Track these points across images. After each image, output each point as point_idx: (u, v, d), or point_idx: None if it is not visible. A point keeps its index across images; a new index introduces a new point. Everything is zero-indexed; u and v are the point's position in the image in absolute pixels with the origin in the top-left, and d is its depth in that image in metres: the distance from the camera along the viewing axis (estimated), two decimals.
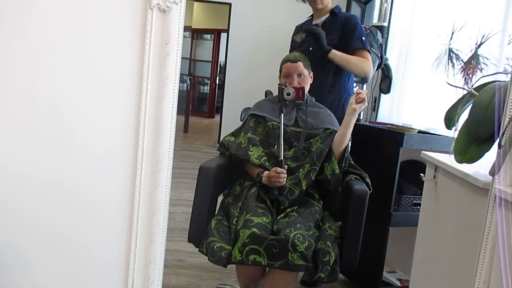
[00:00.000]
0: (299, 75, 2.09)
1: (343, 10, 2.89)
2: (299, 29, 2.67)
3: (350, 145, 2.15)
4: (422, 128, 2.54)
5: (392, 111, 3.48)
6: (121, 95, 1.29)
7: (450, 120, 1.43)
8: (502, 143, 1.05)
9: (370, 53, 2.44)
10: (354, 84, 3.28)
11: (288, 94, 1.97)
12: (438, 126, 2.52)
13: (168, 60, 1.20)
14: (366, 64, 2.39)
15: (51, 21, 1.29)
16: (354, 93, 1.97)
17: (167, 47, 1.20)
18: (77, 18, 1.29)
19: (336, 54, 2.34)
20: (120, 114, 1.30)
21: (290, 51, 2.67)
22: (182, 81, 8.29)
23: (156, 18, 1.20)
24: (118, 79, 1.29)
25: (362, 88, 3.42)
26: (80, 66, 1.30)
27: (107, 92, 1.31)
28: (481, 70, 1.45)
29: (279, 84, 2.01)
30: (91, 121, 1.32)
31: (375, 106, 3.79)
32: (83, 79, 1.31)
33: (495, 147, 1.12)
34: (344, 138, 1.98)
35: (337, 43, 2.41)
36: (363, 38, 2.43)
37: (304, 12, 2.70)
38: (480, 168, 1.32)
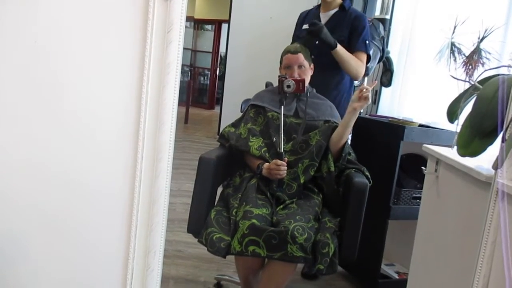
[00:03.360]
0: (300, 66, 2.08)
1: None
2: (304, 17, 2.62)
3: (349, 140, 2.13)
4: (423, 122, 2.53)
5: (393, 104, 3.47)
6: (122, 83, 1.28)
7: (452, 113, 1.42)
8: (506, 137, 1.04)
9: (369, 56, 2.48)
10: None
11: (288, 86, 1.96)
12: (439, 120, 2.51)
13: (170, 49, 1.19)
14: (361, 68, 2.43)
15: (52, 8, 1.27)
16: (357, 89, 1.94)
17: (169, 35, 1.19)
18: (79, 5, 1.27)
19: (339, 52, 2.33)
20: (121, 103, 1.29)
21: (294, 38, 2.65)
22: (183, 72, 8.27)
23: (158, 6, 1.19)
24: (119, 68, 1.28)
25: (362, 81, 3.41)
26: (81, 54, 1.29)
27: (108, 80, 1.29)
28: (483, 64, 1.44)
29: (279, 76, 2.00)
30: (91, 110, 1.31)
31: (375, 99, 3.78)
32: (84, 67, 1.29)
33: (498, 140, 1.11)
34: (342, 138, 1.95)
35: (345, 40, 2.40)
36: (367, 41, 2.45)
37: (305, 3, 2.67)
38: (483, 162, 1.32)
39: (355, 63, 2.39)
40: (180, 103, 7.56)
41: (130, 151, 1.28)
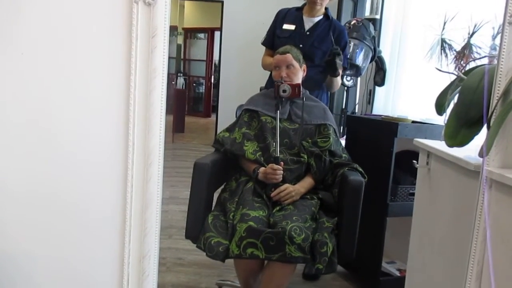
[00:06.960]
0: (288, 66, 2.09)
1: (334, 5, 2.91)
2: (284, 16, 2.60)
3: (344, 140, 2.13)
4: (418, 119, 2.54)
5: (387, 103, 3.47)
6: (109, 90, 1.29)
7: (440, 106, 1.42)
8: (491, 124, 1.05)
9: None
10: (348, 78, 3.29)
11: (284, 91, 1.97)
12: (433, 117, 2.51)
13: (155, 53, 1.20)
14: (339, 84, 2.62)
15: (36, 17, 1.29)
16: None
17: (154, 40, 1.20)
18: (63, 14, 1.28)
19: (336, 79, 2.48)
20: (109, 109, 1.30)
21: (269, 35, 2.64)
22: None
23: (141, 11, 1.20)
24: (106, 74, 1.29)
25: (355, 81, 3.44)
26: (68, 62, 1.30)
27: (96, 87, 1.30)
28: (474, 60, 1.45)
29: (275, 81, 2.02)
30: (80, 117, 1.32)
31: (370, 99, 3.79)
32: (71, 74, 1.31)
33: (484, 129, 1.12)
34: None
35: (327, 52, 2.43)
36: (348, 55, 2.72)
37: (294, 6, 2.68)
38: (471, 151, 1.32)
39: (337, 84, 2.56)
40: (180, 111, 7.47)
41: (120, 156, 1.29)
